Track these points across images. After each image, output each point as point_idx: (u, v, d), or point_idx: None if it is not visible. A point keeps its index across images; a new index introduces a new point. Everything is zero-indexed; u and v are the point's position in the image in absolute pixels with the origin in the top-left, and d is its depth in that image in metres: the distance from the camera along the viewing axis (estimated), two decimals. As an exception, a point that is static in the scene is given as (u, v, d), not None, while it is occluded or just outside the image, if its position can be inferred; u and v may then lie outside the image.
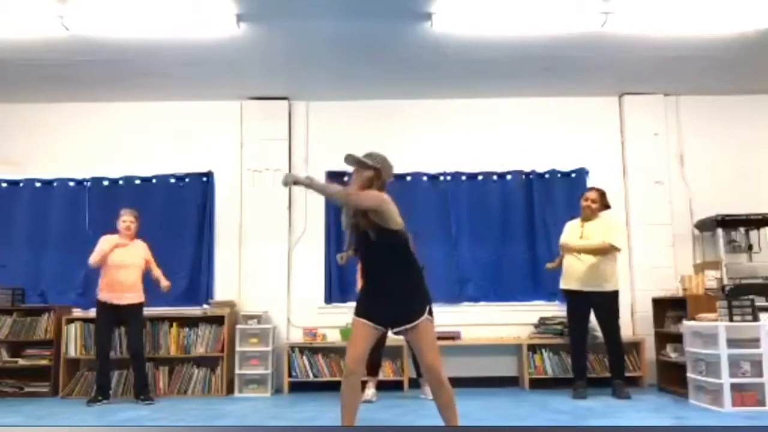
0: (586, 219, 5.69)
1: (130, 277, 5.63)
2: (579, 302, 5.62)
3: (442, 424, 3.49)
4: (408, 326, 3.43)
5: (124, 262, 5.63)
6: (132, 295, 5.65)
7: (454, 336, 6.24)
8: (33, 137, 6.81)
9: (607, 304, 5.58)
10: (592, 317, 5.71)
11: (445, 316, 6.17)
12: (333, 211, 6.65)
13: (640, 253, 6.46)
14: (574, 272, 5.59)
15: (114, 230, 5.74)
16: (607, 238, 5.51)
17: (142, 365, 5.70)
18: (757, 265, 6.28)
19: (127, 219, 5.70)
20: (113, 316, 5.65)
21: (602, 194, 5.71)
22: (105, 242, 5.66)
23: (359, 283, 3.79)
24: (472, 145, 6.81)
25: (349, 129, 6.80)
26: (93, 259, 5.61)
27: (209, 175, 6.78)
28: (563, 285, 5.71)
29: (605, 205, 5.72)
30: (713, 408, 4.89)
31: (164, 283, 5.74)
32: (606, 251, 5.51)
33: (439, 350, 3.48)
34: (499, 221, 6.72)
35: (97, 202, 6.66)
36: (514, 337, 6.41)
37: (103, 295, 5.62)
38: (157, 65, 5.92)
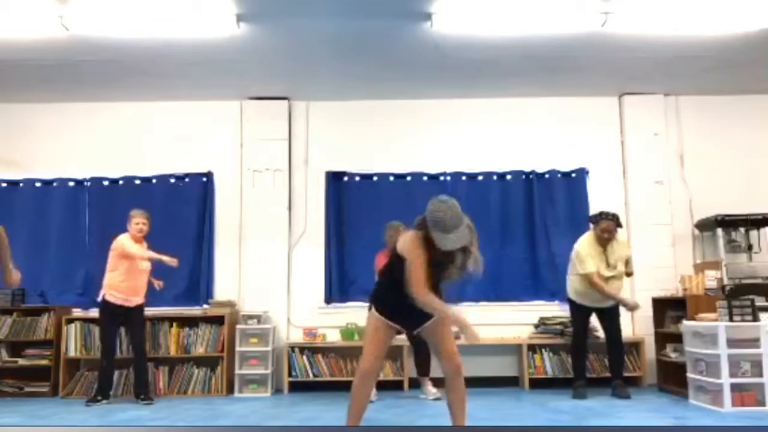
0: (605, 244, 5.61)
1: (144, 281, 5.71)
2: (586, 309, 5.68)
3: (442, 423, 3.49)
4: (430, 321, 3.61)
5: (144, 268, 5.68)
6: (140, 297, 5.71)
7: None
8: (33, 137, 6.80)
9: (613, 310, 5.66)
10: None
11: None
12: (333, 211, 6.66)
13: (640, 253, 6.43)
14: (596, 294, 5.54)
15: (115, 230, 5.70)
16: (627, 267, 5.72)
17: (145, 363, 5.72)
18: (757, 265, 6.27)
19: (140, 221, 5.62)
20: (119, 317, 5.65)
21: (617, 221, 5.62)
22: (132, 246, 5.56)
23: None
24: (472, 145, 6.81)
25: (349, 129, 6.80)
26: (141, 259, 5.59)
27: (209, 175, 6.77)
28: (582, 302, 5.64)
29: (618, 226, 5.65)
30: (713, 408, 4.89)
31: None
32: None
33: None
34: (499, 221, 6.71)
35: (97, 202, 6.66)
36: (514, 337, 6.40)
37: (116, 296, 5.56)
38: (157, 65, 5.92)
